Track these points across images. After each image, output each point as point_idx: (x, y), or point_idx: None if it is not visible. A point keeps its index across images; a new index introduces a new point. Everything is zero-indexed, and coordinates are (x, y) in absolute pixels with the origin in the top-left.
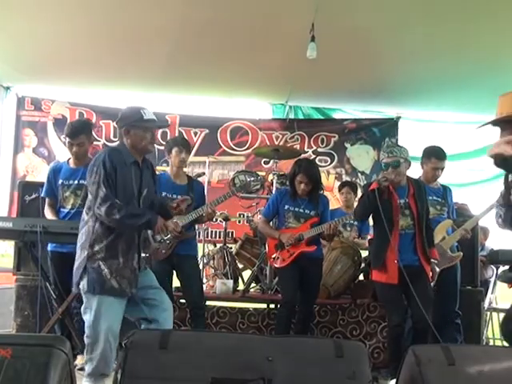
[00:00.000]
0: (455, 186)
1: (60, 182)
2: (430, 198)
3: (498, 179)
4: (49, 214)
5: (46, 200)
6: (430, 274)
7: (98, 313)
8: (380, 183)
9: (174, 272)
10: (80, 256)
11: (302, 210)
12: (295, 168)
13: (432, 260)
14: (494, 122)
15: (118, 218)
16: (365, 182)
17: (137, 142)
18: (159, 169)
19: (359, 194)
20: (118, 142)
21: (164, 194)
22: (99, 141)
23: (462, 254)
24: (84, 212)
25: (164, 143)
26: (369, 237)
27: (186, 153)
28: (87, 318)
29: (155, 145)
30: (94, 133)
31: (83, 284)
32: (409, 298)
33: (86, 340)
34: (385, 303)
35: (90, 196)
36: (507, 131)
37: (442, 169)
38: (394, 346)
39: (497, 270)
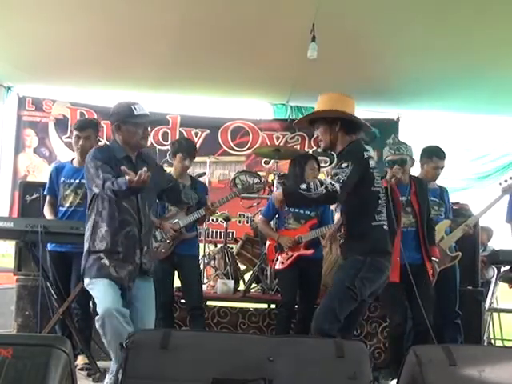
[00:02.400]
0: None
1: (62, 180)
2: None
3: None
4: (47, 212)
5: (47, 198)
6: (431, 272)
7: (101, 293)
8: (389, 181)
9: (176, 272)
10: (84, 249)
11: (302, 211)
12: (300, 162)
13: (433, 259)
14: (310, 122)
15: (116, 187)
16: None
17: (129, 137)
18: None
19: None
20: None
21: None
22: (100, 141)
23: (460, 253)
24: (87, 208)
25: (166, 143)
26: None
27: (190, 160)
28: (96, 302)
29: (156, 145)
30: None
31: (85, 273)
32: (410, 298)
33: (97, 325)
34: (386, 302)
35: (91, 189)
36: (320, 129)
37: (442, 168)
38: (395, 346)
39: (498, 270)
